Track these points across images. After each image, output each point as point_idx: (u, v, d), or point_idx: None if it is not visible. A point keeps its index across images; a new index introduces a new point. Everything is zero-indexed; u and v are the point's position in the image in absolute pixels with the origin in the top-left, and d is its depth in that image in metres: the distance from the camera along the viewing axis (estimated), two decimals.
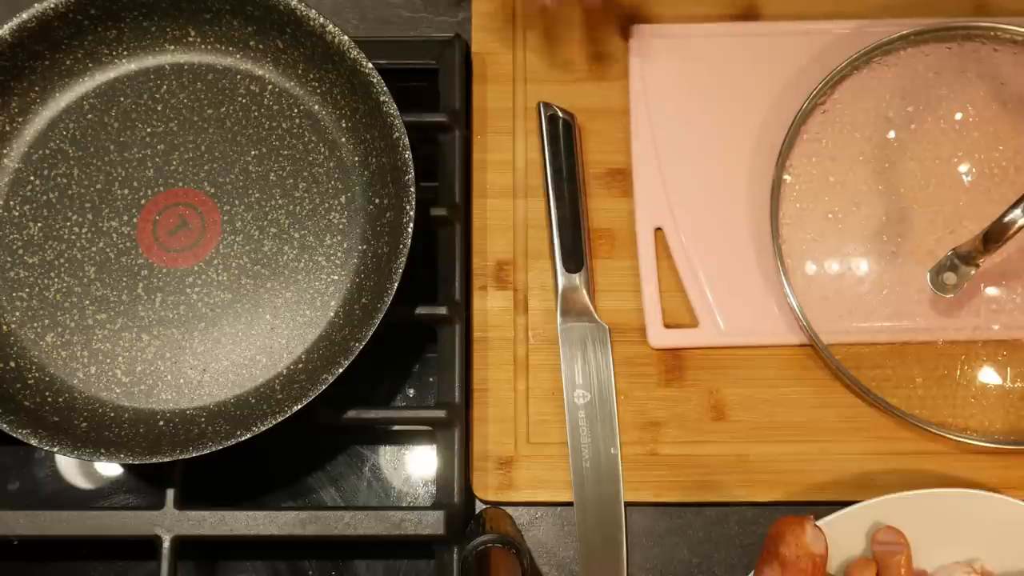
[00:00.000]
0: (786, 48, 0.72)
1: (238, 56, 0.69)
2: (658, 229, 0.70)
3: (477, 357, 0.68)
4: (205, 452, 0.59)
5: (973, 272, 0.64)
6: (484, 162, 0.72)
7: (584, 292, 0.68)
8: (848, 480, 0.66)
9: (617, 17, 0.74)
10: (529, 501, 0.67)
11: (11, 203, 0.67)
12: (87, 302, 0.66)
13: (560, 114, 0.71)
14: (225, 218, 0.67)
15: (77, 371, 0.65)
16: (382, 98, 0.64)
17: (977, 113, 0.69)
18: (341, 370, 0.60)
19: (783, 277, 0.66)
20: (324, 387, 0.60)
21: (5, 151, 0.68)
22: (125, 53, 0.69)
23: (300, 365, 0.65)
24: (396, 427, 0.69)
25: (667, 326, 0.68)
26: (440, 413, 0.66)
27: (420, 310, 0.67)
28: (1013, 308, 0.66)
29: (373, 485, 0.69)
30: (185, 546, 0.63)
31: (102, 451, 0.60)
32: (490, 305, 0.70)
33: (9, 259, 0.66)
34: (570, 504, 0.66)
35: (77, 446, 0.60)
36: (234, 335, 0.65)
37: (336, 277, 0.66)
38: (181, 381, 0.65)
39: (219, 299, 0.66)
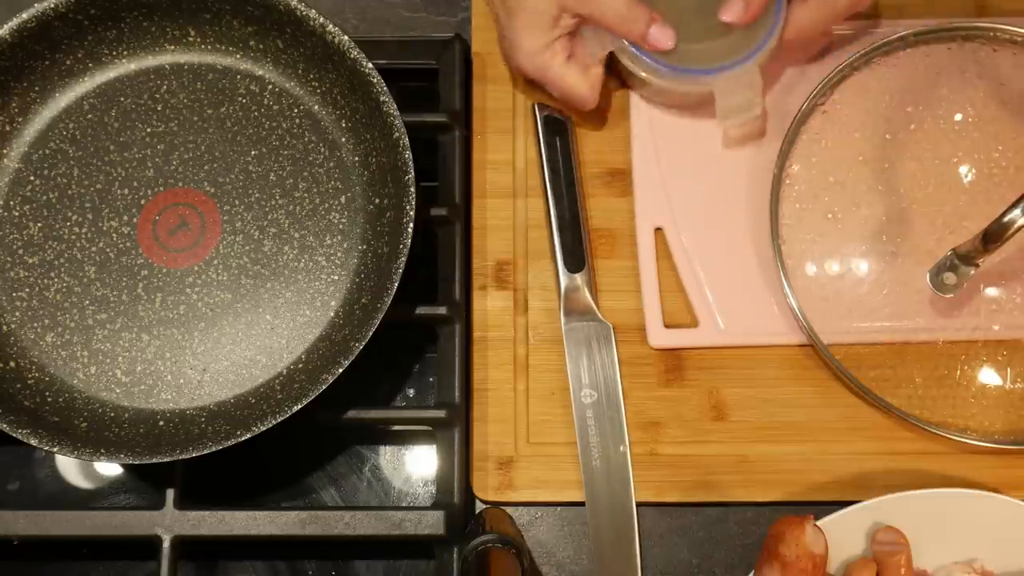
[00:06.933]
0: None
1: (238, 56, 0.69)
2: (658, 229, 0.70)
3: (477, 357, 0.68)
4: (205, 452, 0.59)
5: (973, 272, 0.64)
6: (484, 162, 0.72)
7: (586, 291, 0.68)
8: (848, 480, 0.66)
9: None
10: (529, 501, 0.67)
11: (11, 203, 0.67)
12: (87, 302, 0.66)
13: (555, 115, 0.71)
14: (225, 218, 0.67)
15: (77, 371, 0.65)
16: (382, 98, 0.64)
17: (977, 113, 0.68)
18: (341, 370, 0.60)
19: (783, 277, 0.66)
20: (324, 387, 0.60)
21: (5, 151, 0.68)
22: (125, 53, 0.69)
23: (300, 365, 0.65)
24: (396, 427, 0.69)
25: (667, 326, 0.68)
26: (440, 413, 0.66)
27: (420, 310, 0.67)
28: (1013, 308, 0.66)
29: (373, 485, 0.69)
30: (185, 546, 0.63)
31: (102, 451, 0.60)
32: (490, 305, 0.70)
33: (9, 259, 0.66)
34: (571, 504, 0.66)
35: (77, 446, 0.60)
36: (234, 335, 0.65)
37: (336, 277, 0.66)
38: (181, 381, 0.65)
39: (219, 299, 0.66)
